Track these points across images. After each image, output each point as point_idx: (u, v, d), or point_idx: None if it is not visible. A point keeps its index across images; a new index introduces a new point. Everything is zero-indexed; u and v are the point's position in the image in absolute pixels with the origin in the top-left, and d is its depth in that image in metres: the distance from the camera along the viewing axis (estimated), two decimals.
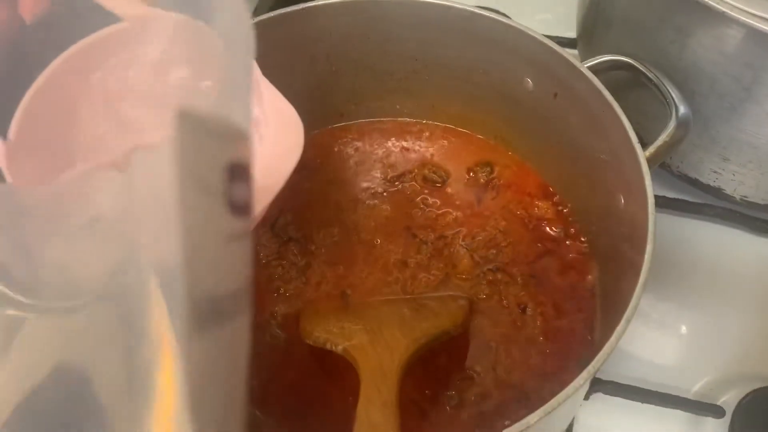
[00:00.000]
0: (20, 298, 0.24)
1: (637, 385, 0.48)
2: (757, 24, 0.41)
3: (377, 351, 0.40)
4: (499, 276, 0.48)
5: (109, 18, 0.36)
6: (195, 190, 0.18)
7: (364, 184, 0.54)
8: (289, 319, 0.47)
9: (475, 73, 0.51)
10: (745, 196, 0.53)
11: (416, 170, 0.54)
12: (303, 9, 0.48)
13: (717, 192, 0.54)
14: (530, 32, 0.46)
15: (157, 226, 0.19)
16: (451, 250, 0.50)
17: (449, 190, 0.53)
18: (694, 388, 0.49)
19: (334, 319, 0.44)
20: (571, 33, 0.64)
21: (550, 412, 0.32)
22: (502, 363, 0.45)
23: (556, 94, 0.47)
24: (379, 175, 0.54)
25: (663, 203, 0.56)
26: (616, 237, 0.44)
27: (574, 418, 0.48)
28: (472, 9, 0.47)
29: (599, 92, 0.43)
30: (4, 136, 0.34)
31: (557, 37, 0.54)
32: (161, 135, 0.19)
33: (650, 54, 0.48)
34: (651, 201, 0.39)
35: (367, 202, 0.53)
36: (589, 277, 0.48)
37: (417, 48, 0.51)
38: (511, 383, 0.44)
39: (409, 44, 0.51)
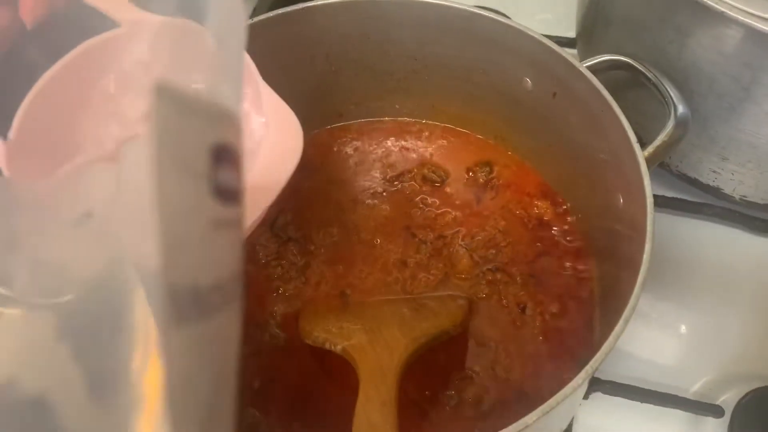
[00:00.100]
0: (2, 290, 0.24)
1: (637, 384, 0.48)
2: (756, 24, 0.41)
3: (376, 351, 0.40)
4: (499, 276, 0.48)
5: (107, 23, 0.36)
6: (173, 171, 0.16)
7: (364, 184, 0.54)
8: (289, 319, 0.47)
9: (474, 72, 0.51)
10: (744, 196, 0.53)
11: (416, 170, 0.54)
12: (302, 9, 0.48)
13: (716, 191, 0.54)
14: (529, 32, 0.46)
15: (136, 213, 0.17)
16: (451, 249, 0.50)
17: (448, 189, 0.53)
18: (693, 387, 0.49)
19: (334, 319, 0.44)
20: (572, 33, 0.64)
21: (548, 412, 0.32)
22: (502, 363, 0.45)
23: (555, 94, 0.47)
24: (378, 174, 0.54)
25: (662, 203, 0.56)
26: (615, 236, 0.45)
27: (573, 418, 0.48)
28: (471, 9, 0.47)
29: (598, 92, 0.43)
30: (5, 137, 0.35)
31: (557, 37, 0.54)
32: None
33: (649, 54, 0.48)
34: (650, 200, 0.39)
35: (366, 201, 0.53)
36: (588, 276, 0.48)
37: (416, 48, 0.51)
38: (510, 383, 0.44)
39: (409, 44, 0.51)
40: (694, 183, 0.54)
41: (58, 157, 0.36)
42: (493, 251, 0.49)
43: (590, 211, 0.49)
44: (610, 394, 0.48)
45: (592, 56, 0.47)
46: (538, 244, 0.50)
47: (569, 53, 0.45)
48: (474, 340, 0.46)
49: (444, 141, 0.56)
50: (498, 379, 0.44)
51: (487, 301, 0.47)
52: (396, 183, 0.54)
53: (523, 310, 0.47)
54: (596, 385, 0.48)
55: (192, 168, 0.17)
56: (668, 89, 0.45)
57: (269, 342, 0.46)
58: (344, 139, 0.56)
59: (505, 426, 0.32)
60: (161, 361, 0.17)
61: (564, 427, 0.47)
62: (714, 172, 0.52)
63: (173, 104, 0.16)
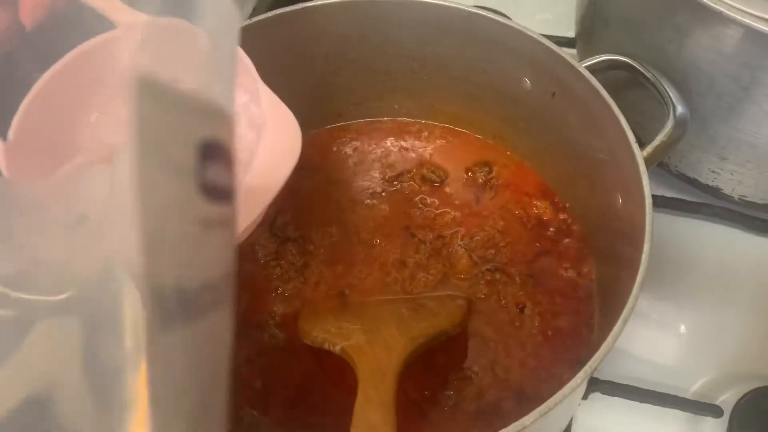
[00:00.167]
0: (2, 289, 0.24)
1: (636, 384, 0.48)
2: (755, 24, 0.41)
3: (375, 351, 0.40)
4: (498, 276, 0.48)
5: (105, 24, 0.37)
6: (155, 166, 0.16)
7: (363, 184, 0.54)
8: (288, 319, 0.47)
9: (473, 72, 0.51)
10: (743, 196, 0.53)
11: (415, 170, 0.54)
12: (301, 9, 0.48)
13: (715, 191, 0.54)
14: (528, 32, 0.46)
15: (124, 213, 0.17)
16: (450, 249, 0.50)
17: (448, 189, 0.53)
18: (692, 387, 0.49)
19: (333, 319, 0.44)
20: (571, 33, 0.64)
21: (546, 413, 0.32)
22: (501, 363, 0.45)
23: (554, 94, 0.47)
24: (377, 174, 0.54)
25: (661, 203, 0.56)
26: (614, 236, 0.45)
27: (572, 418, 0.48)
28: (470, 9, 0.47)
29: (597, 92, 0.43)
30: (4, 138, 0.35)
31: (556, 37, 0.54)
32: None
33: (648, 54, 0.48)
34: (649, 200, 0.39)
35: (365, 201, 0.53)
36: (587, 276, 0.48)
37: (415, 48, 0.51)
38: (509, 383, 0.44)
39: (408, 44, 0.51)
40: (693, 183, 0.54)
41: (57, 157, 0.36)
42: (492, 251, 0.49)
43: (589, 211, 0.49)
44: (609, 394, 0.48)
45: (592, 56, 0.47)
46: (537, 244, 0.50)
47: (568, 53, 0.45)
48: (473, 340, 0.46)
49: (443, 141, 0.56)
50: (497, 379, 0.44)
51: (486, 301, 0.47)
52: (395, 183, 0.54)
53: (522, 310, 0.47)
54: (595, 385, 0.48)
55: (177, 164, 0.17)
56: (667, 89, 0.45)
57: (268, 342, 0.46)
58: (343, 139, 0.56)
59: (504, 426, 0.32)
60: (145, 360, 0.16)
61: (563, 427, 0.47)
62: (713, 172, 0.52)
63: (155, 98, 0.16)
